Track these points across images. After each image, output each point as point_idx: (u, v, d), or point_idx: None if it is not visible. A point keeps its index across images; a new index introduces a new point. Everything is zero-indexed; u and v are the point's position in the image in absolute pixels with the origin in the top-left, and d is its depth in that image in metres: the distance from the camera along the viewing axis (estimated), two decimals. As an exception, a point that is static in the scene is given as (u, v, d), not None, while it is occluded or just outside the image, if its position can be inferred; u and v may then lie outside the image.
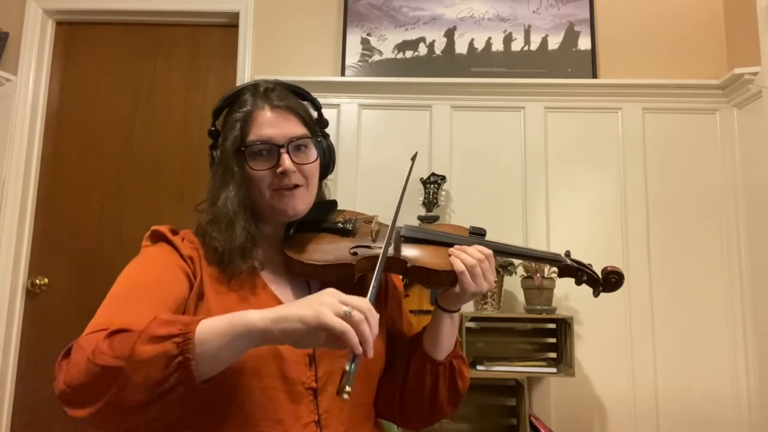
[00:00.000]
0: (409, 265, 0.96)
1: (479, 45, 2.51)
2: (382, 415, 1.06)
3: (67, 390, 0.71)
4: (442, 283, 0.97)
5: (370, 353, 0.70)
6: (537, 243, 2.31)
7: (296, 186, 0.97)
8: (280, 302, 0.95)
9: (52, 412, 2.34)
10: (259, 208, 0.99)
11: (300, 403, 0.89)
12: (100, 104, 2.62)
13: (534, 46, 2.50)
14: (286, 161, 0.95)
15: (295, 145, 0.97)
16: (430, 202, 2.25)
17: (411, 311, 1.95)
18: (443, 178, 2.28)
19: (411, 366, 1.01)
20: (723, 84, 2.34)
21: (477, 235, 1.05)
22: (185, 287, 0.91)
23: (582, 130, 2.42)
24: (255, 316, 0.71)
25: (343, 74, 2.49)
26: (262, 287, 0.97)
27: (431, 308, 1.03)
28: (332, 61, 2.53)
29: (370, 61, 2.51)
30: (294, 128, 0.98)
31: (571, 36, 2.49)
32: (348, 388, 0.67)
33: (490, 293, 2.13)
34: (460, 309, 1.02)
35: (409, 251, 0.99)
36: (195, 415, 0.81)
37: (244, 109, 0.98)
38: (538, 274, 2.12)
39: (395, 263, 0.97)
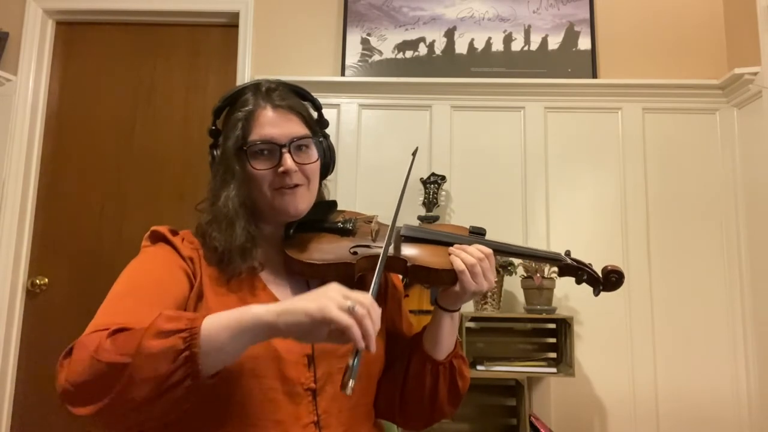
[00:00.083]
0: (409, 264, 0.96)
1: (479, 45, 2.51)
2: (382, 415, 1.06)
3: (70, 388, 0.71)
4: (442, 282, 0.97)
5: (373, 348, 0.71)
6: (537, 243, 2.31)
7: (297, 185, 0.97)
8: (279, 302, 0.96)
9: (52, 412, 2.33)
10: (260, 207, 0.99)
11: (299, 404, 0.89)
12: (100, 104, 2.62)
13: (534, 46, 2.50)
14: (288, 161, 0.95)
15: (297, 145, 0.97)
16: (430, 202, 2.25)
17: (411, 311, 1.95)
18: (443, 178, 2.28)
19: (411, 366, 1.01)
20: (723, 84, 2.34)
21: (477, 234, 1.05)
22: (186, 287, 0.91)
23: (582, 130, 2.42)
24: (260, 310, 0.72)
25: (343, 74, 2.49)
26: (262, 288, 0.97)
27: (431, 308, 1.03)
28: (332, 61, 2.53)
29: (370, 61, 2.51)
30: (296, 128, 0.98)
31: (571, 36, 2.49)
32: (351, 383, 0.68)
33: (490, 293, 2.14)
34: (460, 308, 1.02)
35: (409, 250, 0.99)
36: (194, 416, 0.81)
37: (246, 108, 0.98)
38: (538, 274, 2.12)
39: (395, 262, 0.97)
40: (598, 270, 1.04)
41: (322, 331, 0.71)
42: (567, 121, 2.43)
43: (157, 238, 0.97)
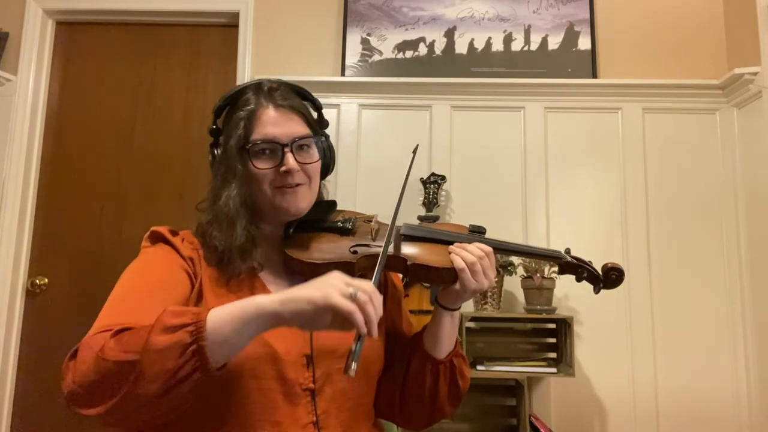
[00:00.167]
0: (409, 262, 0.96)
1: (479, 45, 2.51)
2: (382, 415, 1.06)
3: (78, 389, 0.71)
4: (443, 280, 0.97)
5: (375, 333, 0.72)
6: (537, 243, 2.31)
7: (298, 185, 0.97)
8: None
9: (53, 411, 2.33)
10: (261, 207, 0.99)
11: (298, 405, 0.89)
12: (100, 104, 2.62)
13: (534, 46, 2.50)
14: (290, 160, 0.95)
15: (299, 145, 0.98)
16: (430, 202, 2.25)
17: (411, 311, 1.95)
18: (443, 178, 2.28)
19: (411, 365, 1.01)
20: (723, 84, 2.34)
21: (477, 233, 1.05)
22: (187, 287, 0.91)
23: (582, 130, 2.42)
24: (265, 300, 0.73)
25: (343, 74, 2.49)
26: (261, 288, 0.97)
27: (431, 308, 1.03)
28: (332, 61, 2.53)
29: (370, 61, 2.51)
30: (297, 128, 0.99)
31: (571, 36, 2.49)
32: (354, 365, 0.70)
33: (490, 293, 2.14)
34: (460, 307, 1.02)
35: (408, 249, 0.99)
36: (193, 416, 0.81)
37: (248, 107, 0.98)
38: (538, 274, 2.12)
39: (395, 261, 0.97)
40: (598, 267, 1.04)
41: (325, 318, 0.72)
42: (567, 121, 2.43)
43: (157, 238, 0.97)
